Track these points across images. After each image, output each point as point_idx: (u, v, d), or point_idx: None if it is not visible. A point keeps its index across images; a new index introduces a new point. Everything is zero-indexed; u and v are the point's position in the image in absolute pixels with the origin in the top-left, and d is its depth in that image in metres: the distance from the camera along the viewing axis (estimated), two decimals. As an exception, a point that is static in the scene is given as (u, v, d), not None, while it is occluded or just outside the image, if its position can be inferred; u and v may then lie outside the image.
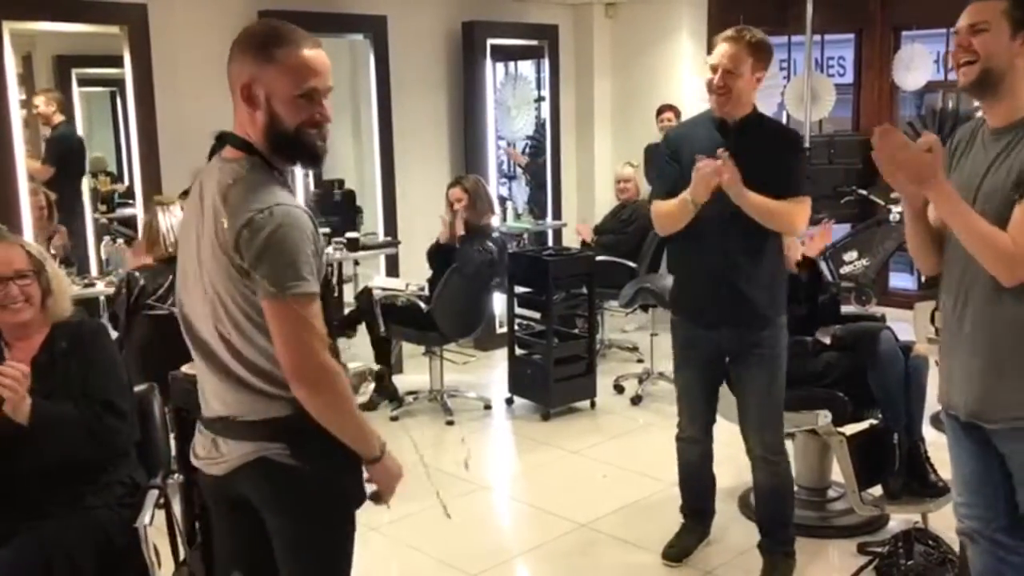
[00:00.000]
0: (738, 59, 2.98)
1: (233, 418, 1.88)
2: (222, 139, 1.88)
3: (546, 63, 7.07)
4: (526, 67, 7.66)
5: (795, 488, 3.86)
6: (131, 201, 5.41)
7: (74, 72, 5.44)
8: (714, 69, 3.03)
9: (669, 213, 3.14)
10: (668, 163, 3.20)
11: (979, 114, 2.34)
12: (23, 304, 2.52)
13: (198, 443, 1.97)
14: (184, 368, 3.04)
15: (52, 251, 4.63)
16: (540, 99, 7.29)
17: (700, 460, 3.43)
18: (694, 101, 7.06)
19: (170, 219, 3.87)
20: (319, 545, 1.93)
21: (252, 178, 1.78)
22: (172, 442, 3.05)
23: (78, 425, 2.45)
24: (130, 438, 2.62)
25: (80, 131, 5.48)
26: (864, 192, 6.72)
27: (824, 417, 3.49)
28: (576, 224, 6.72)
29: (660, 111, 6.77)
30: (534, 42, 7.05)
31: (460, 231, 5.21)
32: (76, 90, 5.44)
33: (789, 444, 3.82)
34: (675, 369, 3.40)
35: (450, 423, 5.19)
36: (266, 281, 1.72)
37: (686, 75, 7.14)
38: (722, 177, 2.91)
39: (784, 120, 7.84)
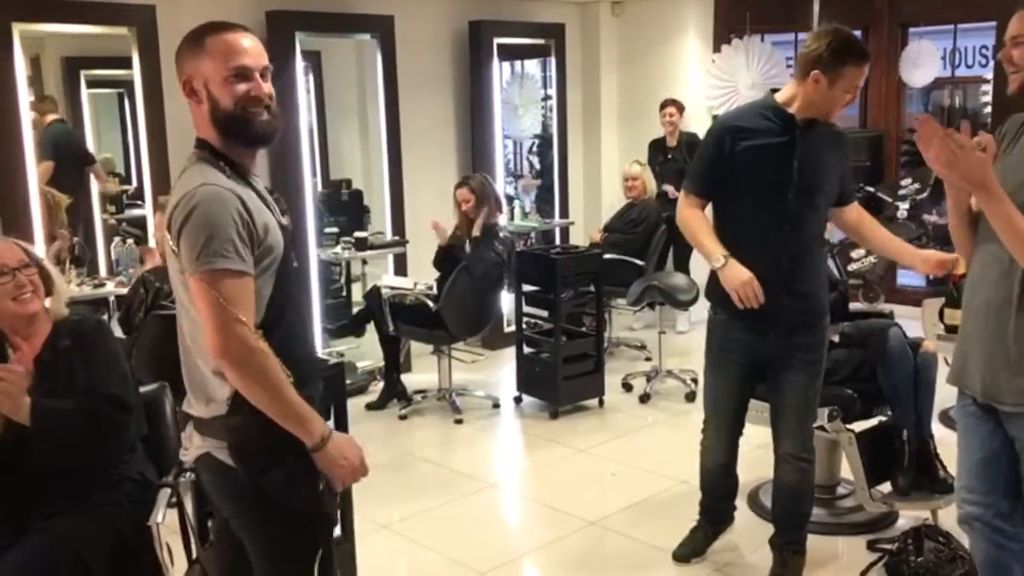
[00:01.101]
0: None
1: (189, 410, 1.98)
2: None
3: (553, 62, 7.07)
4: (533, 66, 7.67)
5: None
6: (140, 202, 5.42)
7: (83, 74, 5.45)
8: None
9: (691, 234, 3.08)
10: (715, 153, 3.02)
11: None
12: (32, 294, 2.53)
13: (185, 431, 2.05)
14: (194, 367, 3.07)
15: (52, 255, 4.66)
16: (547, 98, 7.30)
17: (719, 468, 3.37)
18: (700, 99, 7.08)
19: None
20: (268, 550, 1.95)
21: (191, 169, 1.85)
22: (183, 440, 3.07)
23: (80, 421, 2.45)
24: (136, 432, 2.62)
25: (88, 132, 5.49)
26: (872, 189, 6.69)
27: (833, 414, 3.48)
28: (591, 232, 6.71)
29: (663, 105, 6.79)
30: (541, 41, 7.05)
31: (476, 232, 5.21)
32: (84, 92, 5.45)
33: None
34: (706, 370, 3.29)
35: (459, 422, 5.20)
36: (184, 258, 1.77)
37: (693, 73, 7.14)
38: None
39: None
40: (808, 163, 2.95)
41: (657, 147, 6.87)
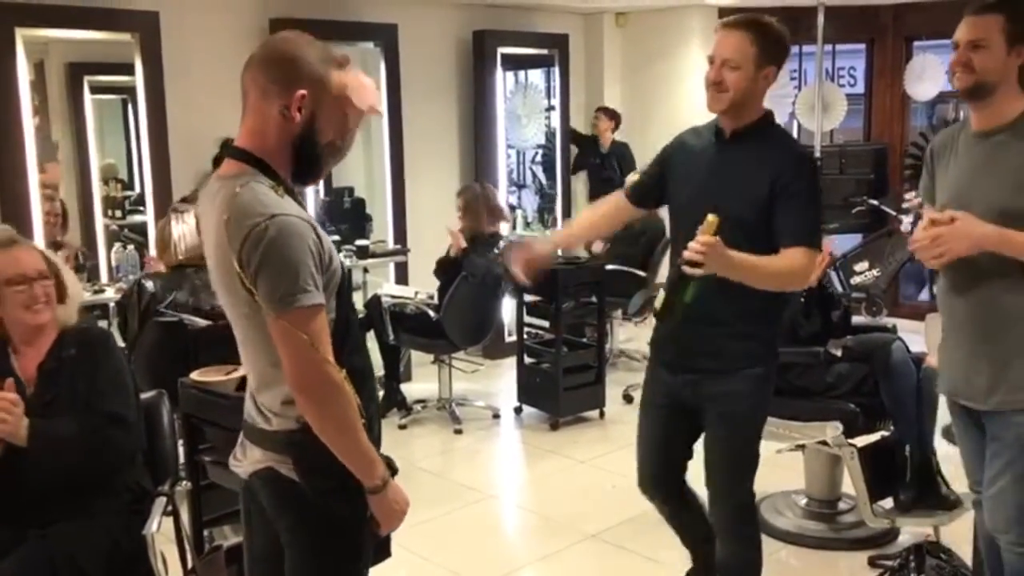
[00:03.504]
0: (739, 48, 2.44)
1: (253, 424, 1.92)
2: (225, 147, 1.88)
3: (556, 72, 7.08)
4: (536, 76, 7.67)
5: (806, 501, 3.85)
6: (142, 208, 5.43)
7: (86, 79, 5.45)
8: (711, 60, 2.52)
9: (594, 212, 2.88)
10: (652, 164, 2.79)
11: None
12: (44, 305, 2.52)
13: (237, 443, 2.00)
14: (193, 375, 3.06)
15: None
16: (550, 108, 7.30)
17: (666, 513, 2.93)
18: (704, 111, 7.07)
19: (183, 227, 3.89)
20: (315, 566, 1.92)
21: (250, 193, 1.75)
22: (181, 449, 3.06)
23: (79, 443, 2.44)
24: (135, 447, 2.60)
25: (91, 138, 5.47)
26: (875, 202, 6.69)
27: (835, 429, 3.47)
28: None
29: (596, 110, 7.03)
30: (544, 51, 7.06)
31: (462, 243, 5.22)
32: (88, 97, 5.46)
33: (799, 456, 3.83)
34: None
35: (458, 432, 5.18)
36: (265, 297, 1.72)
37: (697, 84, 7.10)
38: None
39: (795, 131, 7.85)
40: (721, 181, 2.51)
41: (587, 144, 7.14)
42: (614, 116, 7.04)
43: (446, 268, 5.34)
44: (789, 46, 2.54)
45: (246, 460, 1.94)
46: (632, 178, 2.88)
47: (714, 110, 2.56)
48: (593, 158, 7.08)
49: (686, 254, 2.22)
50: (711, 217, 2.22)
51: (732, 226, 2.33)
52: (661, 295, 2.33)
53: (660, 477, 2.84)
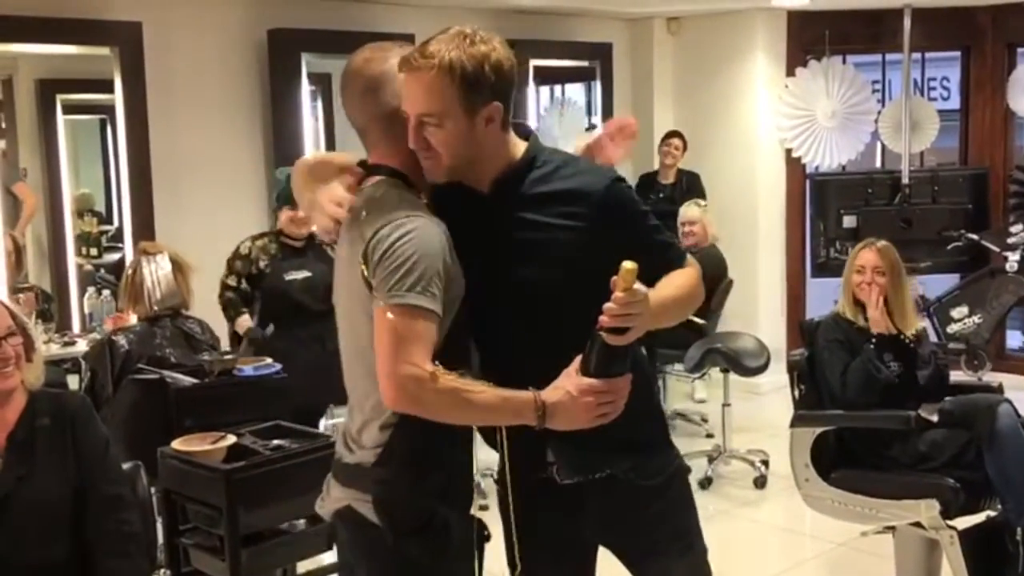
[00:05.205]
0: (432, 94, 1.97)
1: (338, 459, 2.05)
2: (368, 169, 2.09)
3: (598, 86, 7.13)
4: (575, 91, 7.72)
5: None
6: (120, 245, 5.49)
7: (59, 98, 5.55)
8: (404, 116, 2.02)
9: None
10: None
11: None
12: (13, 367, 2.52)
13: (324, 484, 2.12)
14: (175, 443, 3.05)
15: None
16: (591, 127, 7.33)
17: None
18: (771, 130, 7.08)
19: (156, 271, 3.85)
20: None
21: (385, 196, 1.98)
22: (159, 530, 3.05)
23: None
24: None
25: (64, 164, 5.56)
26: (974, 236, 6.63)
27: (931, 508, 3.42)
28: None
29: (668, 136, 6.99)
30: (585, 63, 7.12)
31: None
32: (61, 118, 5.55)
33: (888, 540, 3.77)
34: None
35: (484, 508, 5.12)
36: (377, 286, 1.88)
37: (762, 100, 7.15)
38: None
39: (879, 154, 7.80)
40: (511, 247, 2.08)
41: (648, 183, 6.99)
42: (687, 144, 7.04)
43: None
44: (510, 61, 2.11)
45: (329, 499, 2.06)
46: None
47: (438, 181, 2.06)
48: (652, 193, 6.87)
49: (605, 319, 1.86)
50: (627, 264, 1.84)
51: (544, 298, 2.05)
52: None
53: None
